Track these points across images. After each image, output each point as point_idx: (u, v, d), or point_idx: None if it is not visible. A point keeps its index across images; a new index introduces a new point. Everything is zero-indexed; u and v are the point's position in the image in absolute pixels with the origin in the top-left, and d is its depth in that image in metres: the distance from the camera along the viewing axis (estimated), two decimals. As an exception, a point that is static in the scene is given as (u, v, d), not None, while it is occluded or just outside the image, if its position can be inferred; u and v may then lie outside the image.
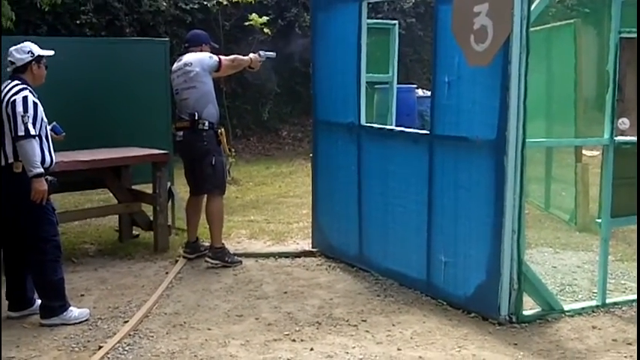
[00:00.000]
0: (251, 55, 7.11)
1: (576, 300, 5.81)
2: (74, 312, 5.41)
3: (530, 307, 5.41)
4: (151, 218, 7.49)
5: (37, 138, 5.17)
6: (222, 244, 6.88)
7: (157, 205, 7.30)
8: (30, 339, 5.05)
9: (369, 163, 6.45)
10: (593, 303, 5.61)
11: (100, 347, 4.84)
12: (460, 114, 5.48)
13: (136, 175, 7.66)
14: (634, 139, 5.75)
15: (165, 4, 14.28)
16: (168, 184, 8.05)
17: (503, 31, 5.04)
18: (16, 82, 5.32)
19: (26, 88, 5.27)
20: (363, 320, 5.41)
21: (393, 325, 5.31)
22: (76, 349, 4.87)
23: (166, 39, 8.64)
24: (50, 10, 12.73)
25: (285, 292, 6.05)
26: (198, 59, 6.82)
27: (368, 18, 6.53)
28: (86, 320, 5.39)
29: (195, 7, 14.47)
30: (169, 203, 8.12)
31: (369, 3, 6.38)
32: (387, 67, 8.24)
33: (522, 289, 5.25)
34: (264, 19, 11.75)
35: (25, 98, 5.18)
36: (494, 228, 5.25)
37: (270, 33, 12.27)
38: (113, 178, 7.44)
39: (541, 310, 5.38)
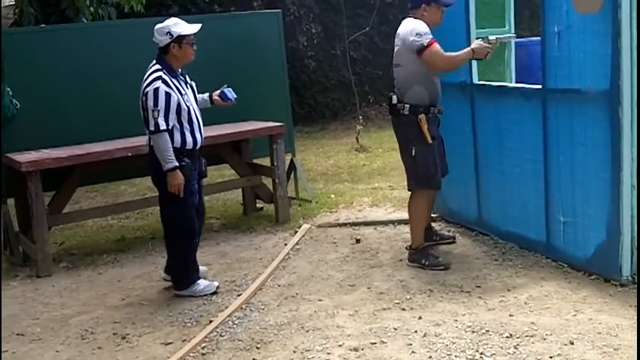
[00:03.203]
0: (473, 45, 5.71)
1: None
2: (200, 285, 5.52)
3: (658, 267, 5.08)
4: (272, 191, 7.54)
5: (171, 129, 5.20)
6: (422, 244, 5.88)
7: (276, 177, 7.34)
8: (146, 315, 5.21)
9: (483, 122, 6.23)
10: None
11: (211, 322, 4.93)
12: (572, 65, 5.18)
13: (260, 149, 7.73)
14: None
15: (290, -27, 14.31)
16: (290, 156, 8.10)
17: (611, -28, 4.70)
18: (156, 67, 5.26)
19: (159, 78, 5.18)
20: (477, 286, 5.24)
21: (508, 290, 5.12)
22: (189, 324, 4.98)
23: (279, 10, 8.57)
24: (180, -10, 13.11)
25: (401, 260, 5.95)
26: (404, 34, 5.67)
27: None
28: (215, 293, 5.47)
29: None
30: (291, 175, 8.18)
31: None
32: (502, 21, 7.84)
33: (646, 248, 4.94)
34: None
35: (155, 91, 5.14)
36: (613, 184, 4.95)
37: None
38: (232, 153, 7.54)
39: (668, 269, 5.03)
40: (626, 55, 4.74)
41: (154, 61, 5.32)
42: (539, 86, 5.52)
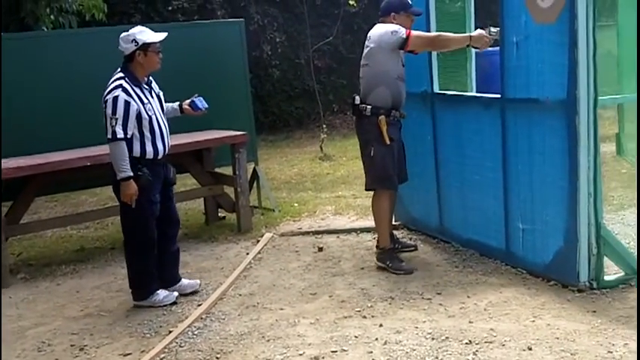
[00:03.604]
0: (477, 32, 5.69)
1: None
2: (160, 295, 5.47)
3: (614, 272, 5.14)
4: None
5: (130, 138, 5.15)
6: (388, 245, 5.98)
7: (238, 186, 7.32)
8: (105, 326, 5.15)
9: (444, 131, 6.28)
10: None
11: (170, 332, 4.89)
12: (530, 75, 5.25)
13: (223, 158, 7.69)
14: None
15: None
16: (253, 164, 8.10)
17: (567, -17, 4.77)
18: (118, 75, 5.23)
19: (120, 86, 5.14)
20: (437, 293, 5.27)
21: (468, 296, 5.15)
22: (148, 335, 4.94)
23: (241, 19, 8.56)
24: (142, -1, 13.04)
25: (363, 268, 5.97)
26: (379, 34, 5.78)
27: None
28: (175, 303, 5.43)
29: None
30: (254, 184, 8.18)
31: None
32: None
33: (602, 254, 5.00)
34: (347, -10, 11.57)
35: (115, 99, 5.10)
36: (570, 192, 5.00)
37: (355, 5, 12.11)
38: (194, 162, 7.51)
39: (624, 274, 5.08)
40: (583, 64, 4.82)
41: (119, 69, 5.29)
42: (499, 95, 5.58)
